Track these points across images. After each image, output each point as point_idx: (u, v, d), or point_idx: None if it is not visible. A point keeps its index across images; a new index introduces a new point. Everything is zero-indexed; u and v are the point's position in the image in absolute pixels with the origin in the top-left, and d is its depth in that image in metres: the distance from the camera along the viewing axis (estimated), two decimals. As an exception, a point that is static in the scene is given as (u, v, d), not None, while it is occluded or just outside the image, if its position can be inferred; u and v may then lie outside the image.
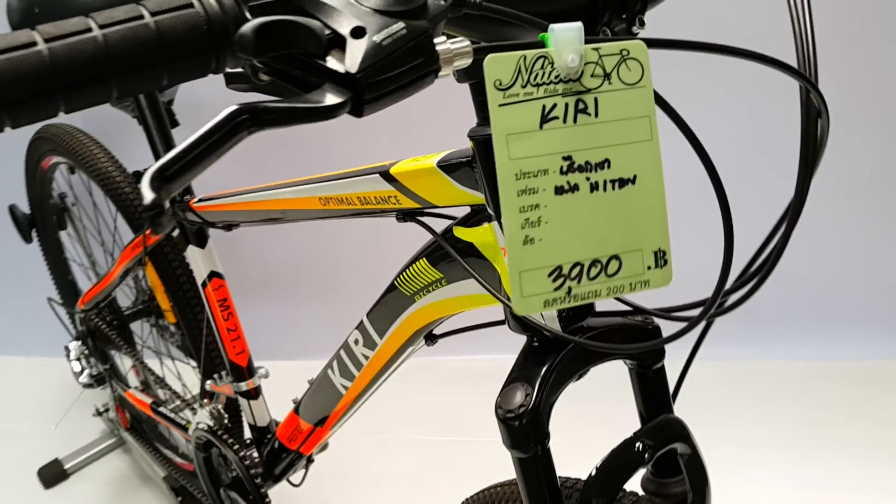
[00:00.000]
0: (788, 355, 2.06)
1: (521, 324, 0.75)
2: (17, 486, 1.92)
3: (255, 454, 1.40)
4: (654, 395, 0.85)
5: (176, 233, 1.32)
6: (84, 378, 1.73)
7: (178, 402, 1.54)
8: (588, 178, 0.51)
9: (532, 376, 0.76)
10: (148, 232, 1.39)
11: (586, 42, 0.50)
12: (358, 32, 0.46)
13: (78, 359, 1.74)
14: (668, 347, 0.77)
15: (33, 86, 0.42)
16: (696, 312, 0.63)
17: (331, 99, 0.44)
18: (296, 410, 1.26)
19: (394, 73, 0.46)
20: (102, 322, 1.69)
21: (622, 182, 0.52)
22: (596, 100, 0.50)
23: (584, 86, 0.50)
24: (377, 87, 0.45)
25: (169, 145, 1.33)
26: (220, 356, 1.41)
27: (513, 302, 0.50)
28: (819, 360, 2.04)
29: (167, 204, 0.39)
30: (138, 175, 1.42)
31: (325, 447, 1.54)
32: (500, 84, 0.48)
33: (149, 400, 1.63)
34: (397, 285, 0.94)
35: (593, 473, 0.77)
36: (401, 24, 0.46)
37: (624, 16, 0.62)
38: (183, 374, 1.72)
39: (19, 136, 1.61)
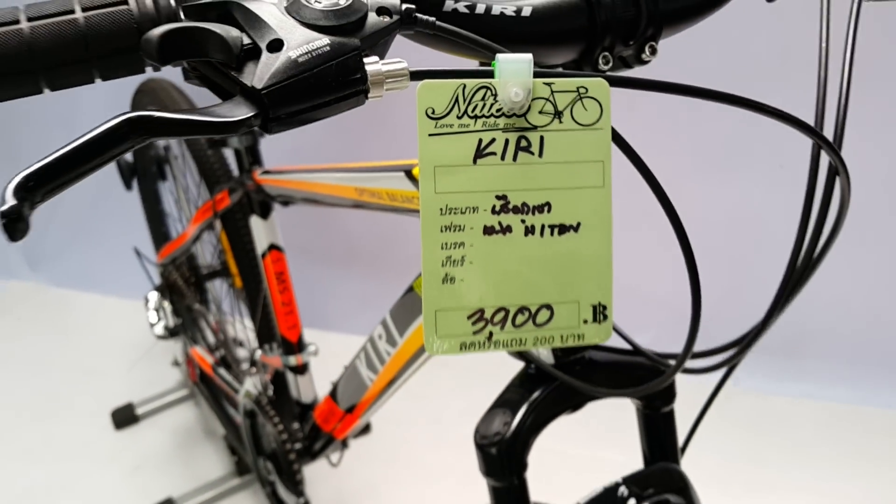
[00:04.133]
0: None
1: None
2: (89, 424, 2.05)
3: (298, 429, 1.44)
4: (659, 440, 0.82)
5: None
6: (159, 329, 1.82)
7: (235, 367, 1.60)
8: (523, 221, 0.49)
9: (516, 404, 0.75)
10: (219, 196, 1.45)
11: (537, 76, 0.48)
12: (275, 46, 0.45)
13: (155, 309, 1.83)
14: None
15: None
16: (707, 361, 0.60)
17: (237, 113, 0.44)
18: (331, 394, 1.29)
19: (307, 92, 0.45)
20: (180, 277, 1.78)
21: (563, 229, 0.50)
22: (542, 138, 0.49)
23: (530, 122, 0.48)
24: (285, 105, 0.45)
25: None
26: (274, 327, 1.45)
27: (425, 340, 0.49)
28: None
29: (29, 213, 0.40)
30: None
31: (366, 430, 1.57)
32: (433, 113, 0.47)
33: (211, 360, 1.70)
34: (415, 287, 0.94)
35: (573, 515, 0.75)
36: (324, 41, 0.46)
37: (631, 42, 0.59)
38: (252, 339, 1.78)
39: (128, 85, 1.71)
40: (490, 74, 0.48)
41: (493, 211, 0.49)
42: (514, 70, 0.48)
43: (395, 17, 0.49)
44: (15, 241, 0.40)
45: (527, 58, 0.48)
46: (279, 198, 1.30)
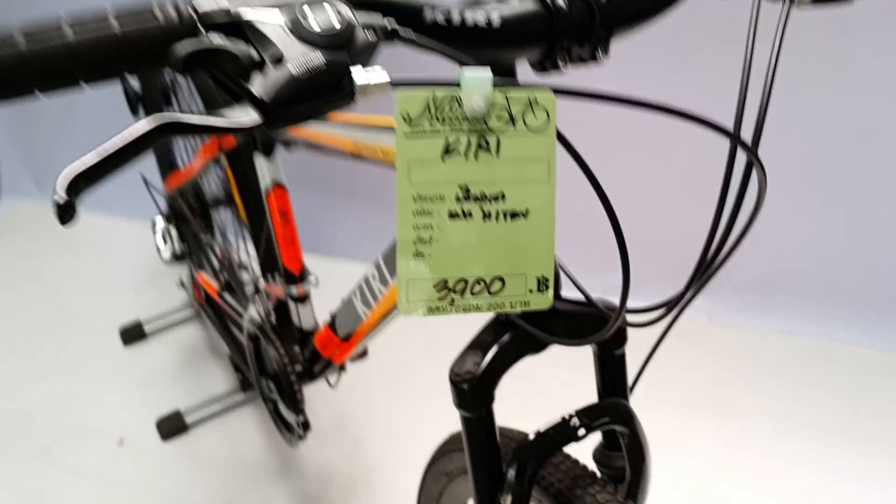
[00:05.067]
0: (853, 341, 2.07)
1: None
2: (99, 340, 2.20)
3: (299, 353, 1.58)
4: (611, 378, 0.94)
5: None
6: (166, 254, 1.95)
7: (239, 292, 1.73)
8: (482, 208, 0.60)
9: (486, 347, 0.87)
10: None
11: (496, 87, 0.58)
12: (278, 60, 0.56)
13: (162, 236, 1.96)
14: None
15: (10, 75, 0.55)
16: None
17: (246, 117, 0.55)
18: (330, 323, 1.42)
19: (304, 100, 0.56)
20: (186, 206, 1.89)
21: (514, 215, 0.61)
22: (498, 140, 0.59)
23: (489, 127, 0.59)
24: (287, 112, 0.56)
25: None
26: (276, 259, 1.57)
27: (398, 302, 0.61)
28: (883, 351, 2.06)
29: (77, 203, 0.51)
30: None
31: (363, 355, 1.71)
32: (409, 118, 0.58)
33: (216, 285, 1.83)
34: (404, 236, 1.06)
35: (530, 437, 0.88)
36: (320, 58, 0.56)
37: (586, 44, 0.70)
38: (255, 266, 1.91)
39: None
40: (457, 85, 0.59)
41: (457, 199, 0.60)
42: (475, 83, 0.58)
43: (380, 34, 0.59)
44: (65, 225, 0.51)
45: (487, 72, 0.58)
46: (279, 138, 1.41)
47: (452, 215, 0.60)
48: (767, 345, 2.09)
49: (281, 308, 1.60)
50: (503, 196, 0.60)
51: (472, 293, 0.62)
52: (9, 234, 2.66)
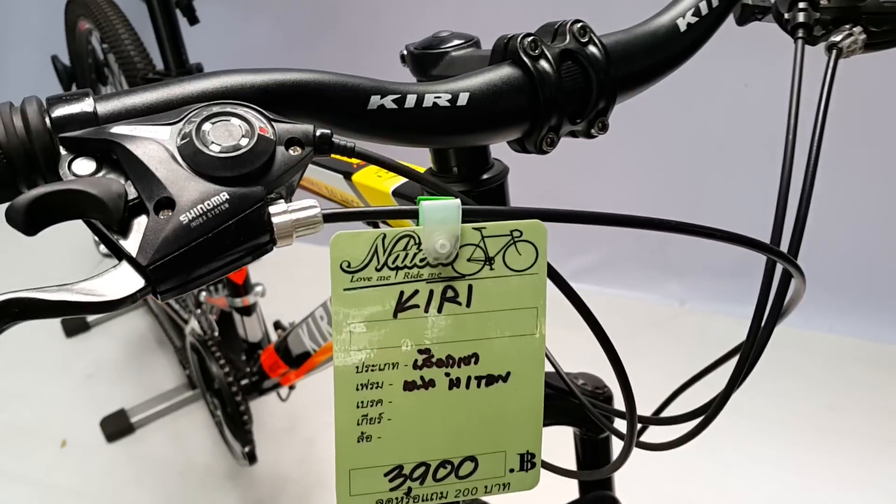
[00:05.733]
0: (831, 329, 1.96)
1: None
2: (39, 330, 2.01)
3: (245, 367, 1.42)
4: (594, 463, 0.80)
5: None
6: (103, 247, 1.76)
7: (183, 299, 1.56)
8: (448, 374, 0.44)
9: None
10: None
11: (465, 221, 0.42)
12: (163, 204, 0.39)
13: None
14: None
15: None
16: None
17: (120, 288, 0.38)
18: (277, 348, 1.26)
19: (201, 259, 0.39)
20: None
21: (491, 379, 0.45)
22: (470, 287, 0.43)
23: (457, 271, 0.43)
24: (176, 277, 0.39)
25: (176, 45, 1.27)
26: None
27: (337, 498, 0.45)
28: (856, 338, 1.95)
29: None
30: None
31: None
32: (349, 266, 0.41)
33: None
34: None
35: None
36: (222, 196, 0.39)
37: (579, 120, 0.53)
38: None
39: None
40: (413, 215, 0.42)
41: (415, 366, 0.44)
42: (439, 219, 0.42)
43: (308, 149, 0.42)
44: None
45: (454, 205, 0.42)
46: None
47: (408, 386, 0.44)
48: (741, 333, 1.96)
49: (225, 319, 1.44)
50: (475, 357, 0.44)
51: (436, 479, 0.46)
52: None
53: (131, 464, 1.74)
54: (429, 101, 0.48)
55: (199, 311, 1.42)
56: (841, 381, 1.85)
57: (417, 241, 0.42)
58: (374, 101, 0.47)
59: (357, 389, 0.43)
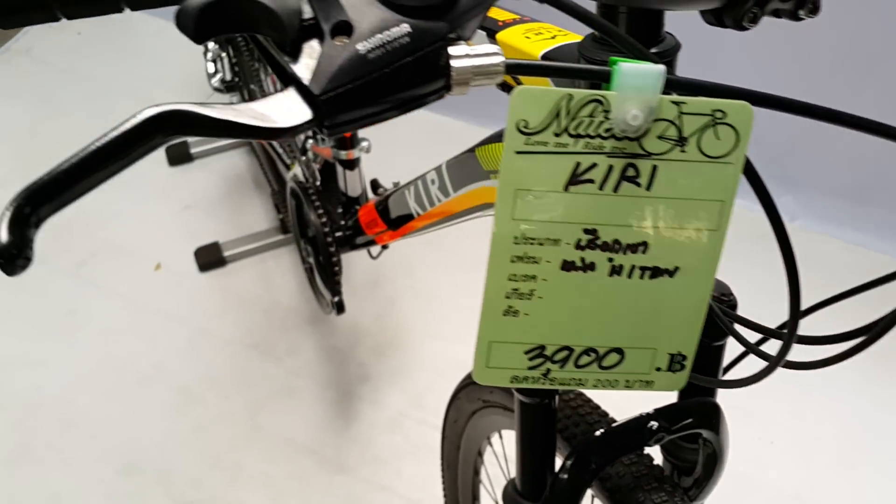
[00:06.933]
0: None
1: None
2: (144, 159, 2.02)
3: (341, 219, 1.40)
4: (700, 371, 0.75)
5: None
6: (216, 81, 1.72)
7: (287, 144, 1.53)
8: (611, 260, 0.39)
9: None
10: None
11: (665, 92, 0.36)
12: (341, 29, 0.33)
13: (213, 60, 1.72)
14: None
15: None
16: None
17: (289, 115, 0.34)
18: (377, 205, 1.23)
19: (375, 96, 0.34)
20: (239, 34, 1.65)
21: (657, 272, 0.40)
22: (654, 168, 0.37)
23: (644, 148, 0.37)
24: (347, 112, 0.34)
25: None
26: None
27: (473, 368, 0.41)
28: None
29: (32, 241, 0.32)
30: None
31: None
32: (526, 127, 0.36)
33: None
34: (478, 155, 0.84)
35: (598, 435, 0.71)
36: (404, 28, 0.34)
37: (791, -9, 0.45)
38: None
39: None
40: (605, 78, 0.36)
41: (578, 246, 0.39)
42: (637, 85, 0.35)
43: None
44: (11, 275, 0.32)
45: (657, 71, 0.35)
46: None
47: (566, 266, 0.39)
48: (850, 259, 1.84)
49: (327, 170, 1.40)
50: (644, 246, 0.39)
51: (577, 365, 0.42)
52: (59, 29, 2.42)
53: (219, 295, 1.76)
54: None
55: (303, 158, 1.39)
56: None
57: (606, 108, 0.36)
58: None
59: (512, 261, 0.39)
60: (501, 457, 1.06)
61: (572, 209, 0.37)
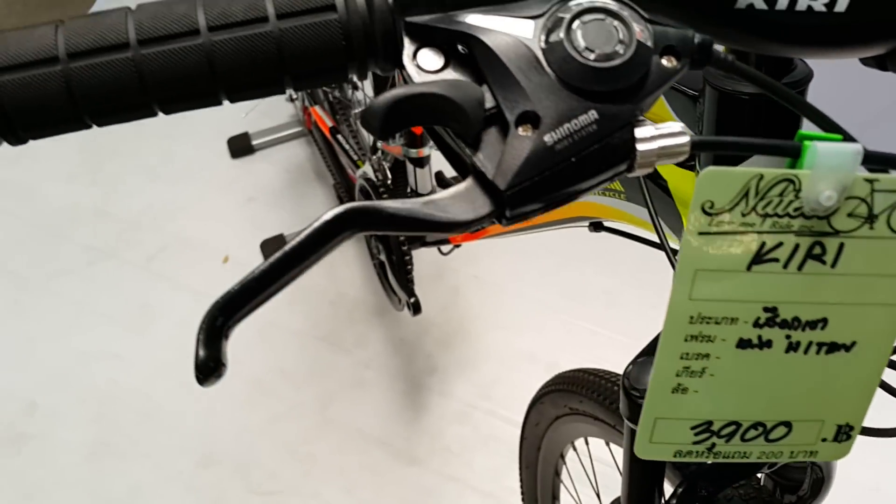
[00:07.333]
0: None
1: None
2: (207, 148, 2.02)
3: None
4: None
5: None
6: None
7: (353, 138, 1.51)
8: (788, 337, 0.37)
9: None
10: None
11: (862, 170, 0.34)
12: (526, 119, 0.32)
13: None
14: None
15: (118, 97, 0.33)
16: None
17: (466, 208, 0.32)
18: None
19: (558, 185, 0.32)
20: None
21: (833, 347, 0.38)
22: (841, 246, 0.35)
23: (833, 227, 0.35)
24: (530, 203, 0.32)
25: None
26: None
27: (636, 443, 0.40)
28: None
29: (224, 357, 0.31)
30: None
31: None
32: (711, 207, 0.34)
33: (330, 123, 1.61)
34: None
35: (710, 462, 0.70)
36: (591, 115, 0.32)
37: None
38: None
39: None
40: (795, 154, 0.34)
41: (756, 324, 0.37)
42: (832, 165, 0.33)
43: (685, 60, 0.33)
44: (204, 385, 0.31)
45: (854, 150, 0.33)
46: None
47: (742, 344, 0.37)
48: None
49: (397, 168, 1.39)
50: (824, 323, 0.37)
51: (743, 439, 0.40)
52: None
53: (286, 288, 1.77)
54: (803, 3, 0.38)
55: (374, 157, 1.38)
56: None
57: (797, 187, 0.34)
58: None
59: (685, 340, 0.37)
60: (587, 462, 1.05)
61: (753, 288, 0.36)
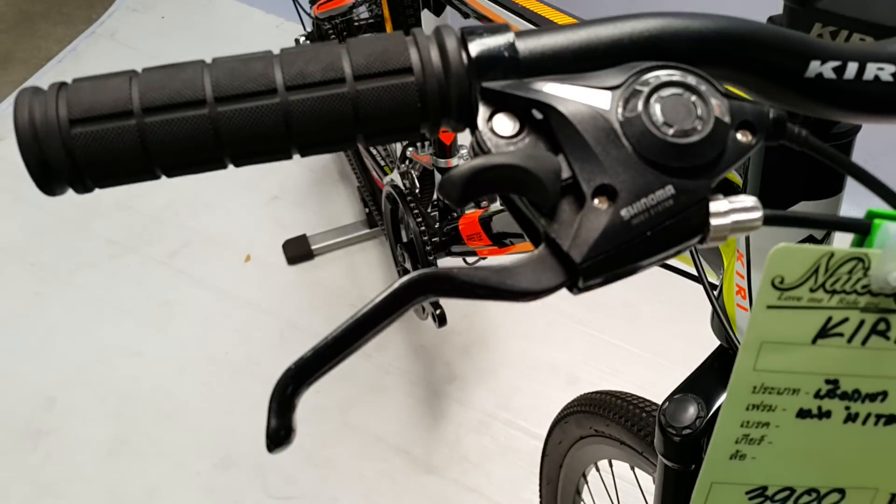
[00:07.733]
0: None
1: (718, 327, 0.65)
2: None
3: (437, 225, 1.39)
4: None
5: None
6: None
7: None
8: (847, 408, 0.37)
9: (712, 394, 0.67)
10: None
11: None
12: (602, 192, 0.32)
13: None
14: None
15: (193, 153, 0.34)
16: None
17: (538, 278, 0.33)
18: (480, 219, 1.21)
19: (631, 258, 0.33)
20: (333, 31, 1.63)
21: (891, 419, 0.38)
22: (907, 323, 0.35)
23: (899, 304, 0.35)
24: (603, 276, 0.33)
25: None
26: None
27: (691, 505, 0.40)
28: None
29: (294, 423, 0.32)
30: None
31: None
32: (781, 283, 0.34)
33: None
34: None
35: None
36: (668, 191, 0.32)
37: None
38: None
39: None
40: (864, 231, 0.34)
41: (817, 395, 0.37)
42: (904, 244, 0.33)
43: (760, 135, 0.34)
44: (273, 452, 0.32)
45: (926, 230, 0.33)
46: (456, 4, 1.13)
47: (802, 414, 0.38)
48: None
49: (425, 176, 1.39)
50: (884, 395, 0.37)
51: (796, 504, 0.40)
52: (143, 12, 2.43)
53: (308, 288, 1.78)
54: (870, 72, 0.38)
55: (403, 165, 1.38)
56: None
57: (866, 265, 0.34)
58: (814, 67, 0.37)
59: (747, 409, 0.37)
60: (610, 481, 1.06)
61: (817, 361, 0.36)
